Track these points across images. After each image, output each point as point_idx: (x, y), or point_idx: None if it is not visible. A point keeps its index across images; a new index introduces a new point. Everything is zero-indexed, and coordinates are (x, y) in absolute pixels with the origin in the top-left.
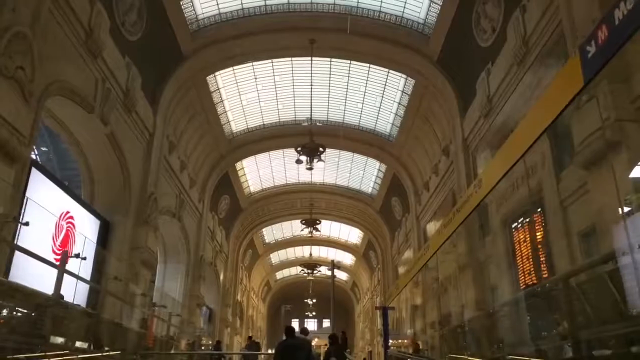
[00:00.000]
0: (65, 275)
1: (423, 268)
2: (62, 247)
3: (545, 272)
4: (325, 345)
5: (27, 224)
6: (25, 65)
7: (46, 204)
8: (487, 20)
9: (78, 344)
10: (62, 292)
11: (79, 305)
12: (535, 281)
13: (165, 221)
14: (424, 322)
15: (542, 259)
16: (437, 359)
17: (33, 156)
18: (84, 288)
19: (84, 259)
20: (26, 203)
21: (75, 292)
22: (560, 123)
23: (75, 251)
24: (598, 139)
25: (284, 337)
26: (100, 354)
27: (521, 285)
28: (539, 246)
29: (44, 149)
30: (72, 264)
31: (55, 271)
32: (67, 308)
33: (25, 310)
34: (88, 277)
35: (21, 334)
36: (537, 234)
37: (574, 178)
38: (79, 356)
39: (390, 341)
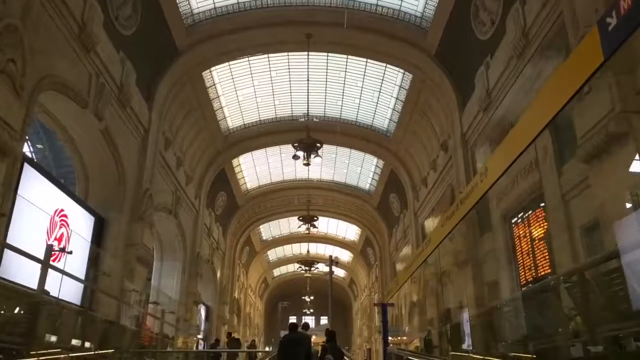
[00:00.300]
0: (62, 274)
1: (423, 263)
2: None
3: (548, 267)
4: (322, 342)
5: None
6: (16, 58)
7: (40, 201)
8: (485, 12)
9: (72, 341)
10: (59, 290)
11: (63, 300)
12: (535, 276)
13: (161, 218)
14: (423, 319)
15: (543, 254)
16: (437, 357)
17: (28, 154)
18: (78, 286)
19: (70, 252)
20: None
21: (60, 288)
22: (561, 116)
23: (70, 249)
24: (601, 130)
25: (288, 332)
26: (92, 353)
27: (521, 281)
28: (540, 241)
29: (39, 146)
30: (68, 261)
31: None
32: (52, 305)
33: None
34: (83, 274)
35: (5, 332)
36: (539, 229)
37: (575, 171)
38: (70, 355)
39: (390, 338)
